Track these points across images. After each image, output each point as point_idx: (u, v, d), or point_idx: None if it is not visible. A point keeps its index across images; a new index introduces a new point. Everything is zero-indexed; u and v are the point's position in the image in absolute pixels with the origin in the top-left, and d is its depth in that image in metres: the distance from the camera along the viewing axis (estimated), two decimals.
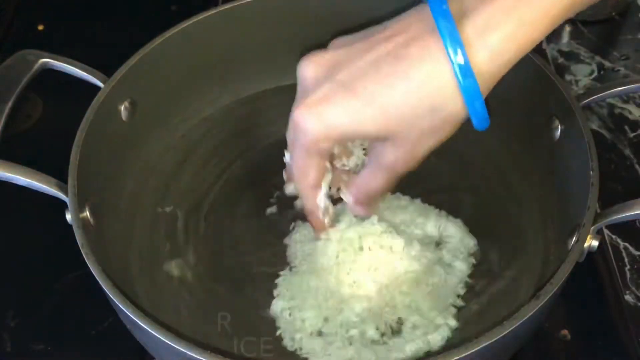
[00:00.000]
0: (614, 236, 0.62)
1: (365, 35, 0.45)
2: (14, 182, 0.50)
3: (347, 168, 0.53)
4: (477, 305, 0.53)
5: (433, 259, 0.54)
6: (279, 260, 0.56)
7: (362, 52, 0.44)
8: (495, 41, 0.41)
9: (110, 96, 0.56)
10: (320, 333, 0.51)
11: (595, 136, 0.52)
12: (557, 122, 0.56)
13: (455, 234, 0.56)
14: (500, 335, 0.43)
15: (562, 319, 0.57)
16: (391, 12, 0.46)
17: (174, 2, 0.84)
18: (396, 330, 0.51)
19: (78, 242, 0.48)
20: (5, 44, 0.80)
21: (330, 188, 0.51)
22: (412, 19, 0.43)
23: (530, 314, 0.44)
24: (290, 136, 0.47)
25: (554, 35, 0.79)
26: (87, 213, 0.51)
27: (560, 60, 0.77)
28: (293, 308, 0.53)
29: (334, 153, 0.52)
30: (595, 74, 0.76)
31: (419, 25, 0.42)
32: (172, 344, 0.43)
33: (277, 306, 0.53)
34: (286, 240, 0.57)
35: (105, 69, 0.58)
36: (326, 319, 0.51)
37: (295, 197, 0.54)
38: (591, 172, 0.49)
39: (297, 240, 0.56)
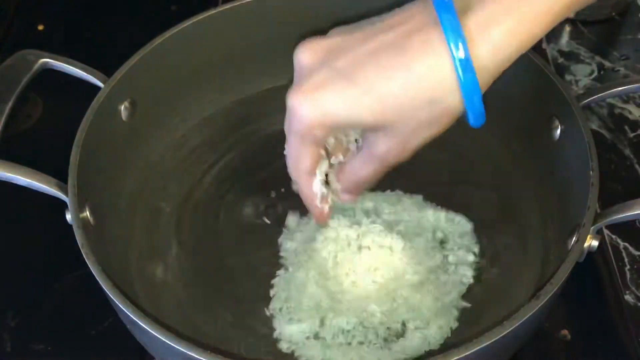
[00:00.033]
0: (614, 236, 0.62)
1: (366, 24, 0.44)
2: (14, 182, 0.50)
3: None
4: (477, 305, 0.53)
5: (433, 258, 0.54)
6: (279, 261, 0.56)
7: (362, 40, 0.43)
8: (496, 36, 0.41)
9: (110, 96, 0.56)
10: (317, 336, 0.51)
11: (595, 136, 0.52)
12: (557, 122, 0.56)
13: (455, 233, 0.56)
14: (500, 335, 0.43)
15: (562, 319, 0.57)
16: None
17: (174, 2, 0.84)
18: (396, 330, 0.51)
19: (78, 242, 0.48)
20: (5, 44, 0.80)
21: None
22: (415, 10, 0.43)
23: (530, 314, 0.44)
24: (286, 123, 0.47)
25: (554, 35, 0.79)
26: (87, 213, 0.51)
27: (560, 60, 0.77)
28: (289, 310, 0.53)
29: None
30: (595, 74, 0.76)
31: (422, 17, 0.42)
32: (172, 344, 0.43)
33: (273, 307, 0.53)
34: (283, 239, 0.57)
35: (105, 69, 0.58)
36: (322, 322, 0.51)
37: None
38: (591, 172, 0.49)
39: (297, 239, 0.56)
